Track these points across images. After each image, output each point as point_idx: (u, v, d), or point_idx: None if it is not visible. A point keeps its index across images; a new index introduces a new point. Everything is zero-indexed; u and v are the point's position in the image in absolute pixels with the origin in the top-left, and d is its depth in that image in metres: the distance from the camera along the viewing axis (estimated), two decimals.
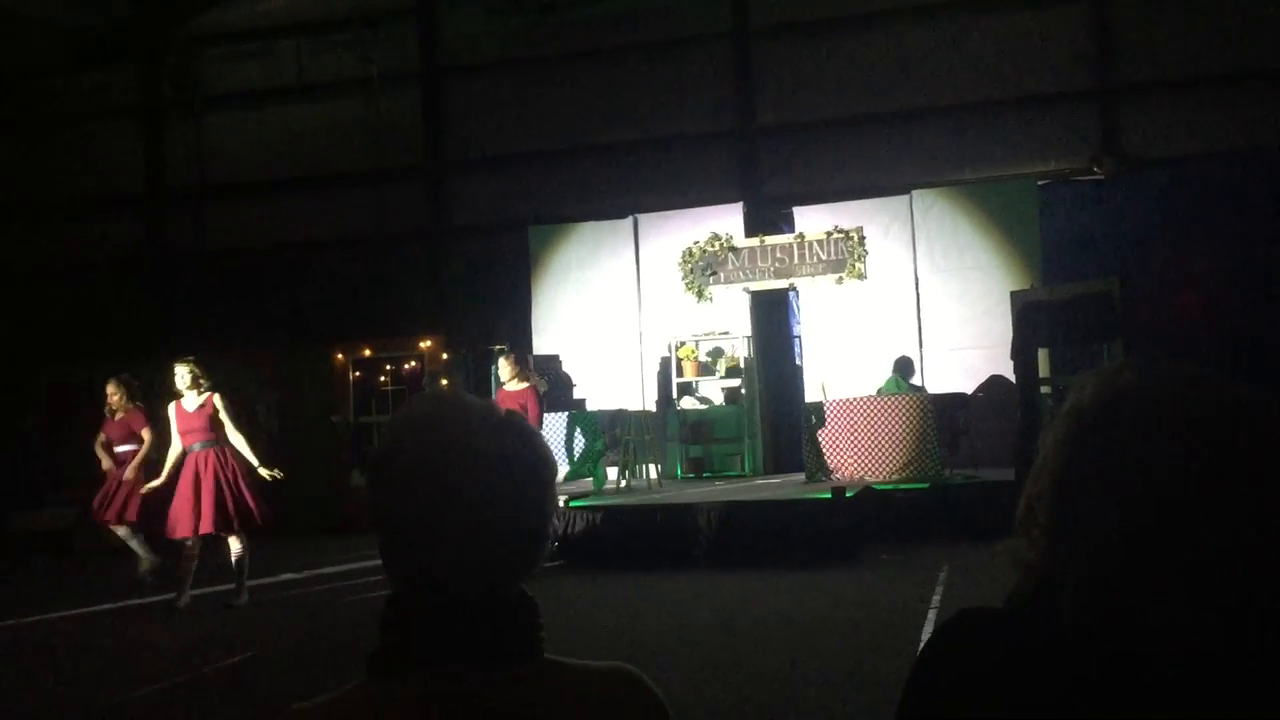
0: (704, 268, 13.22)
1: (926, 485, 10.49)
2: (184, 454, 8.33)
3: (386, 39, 15.29)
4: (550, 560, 6.90)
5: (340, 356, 13.90)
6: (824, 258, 12.89)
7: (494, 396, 9.80)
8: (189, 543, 8.27)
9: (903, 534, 9.95)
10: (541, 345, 13.56)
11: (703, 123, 14.27)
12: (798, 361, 13.40)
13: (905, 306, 12.65)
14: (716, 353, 13.21)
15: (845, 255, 12.80)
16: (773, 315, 13.64)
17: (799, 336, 13.41)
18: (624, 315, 13.52)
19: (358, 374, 13.96)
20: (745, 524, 9.52)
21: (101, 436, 9.51)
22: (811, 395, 12.38)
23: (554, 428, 11.30)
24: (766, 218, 13.50)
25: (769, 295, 13.39)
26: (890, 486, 10.58)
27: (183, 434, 8.34)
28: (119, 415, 9.47)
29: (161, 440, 8.87)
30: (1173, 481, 0.96)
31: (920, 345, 12.54)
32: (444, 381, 13.34)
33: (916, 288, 12.67)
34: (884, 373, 12.30)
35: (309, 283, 14.93)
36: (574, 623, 6.83)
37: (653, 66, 14.48)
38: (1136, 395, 1.01)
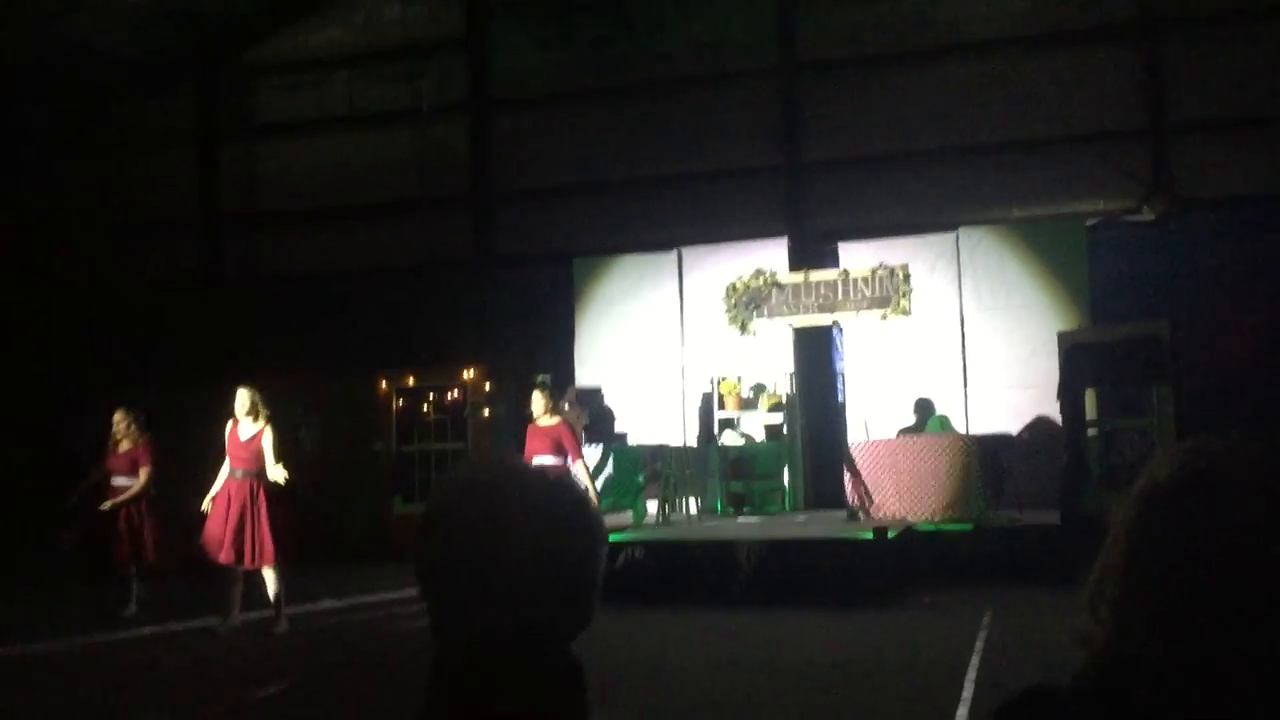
0: (747, 302, 13.20)
1: (970, 527, 10.35)
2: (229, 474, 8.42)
3: (437, 71, 15.50)
4: None
5: (384, 384, 13.99)
6: (869, 294, 12.83)
7: (526, 431, 9.77)
8: (235, 569, 8.34)
9: (945, 576, 9.82)
10: (583, 377, 13.59)
11: (749, 157, 14.30)
12: (840, 398, 13.33)
13: (950, 345, 12.55)
14: (759, 388, 13.17)
15: (890, 292, 12.74)
16: (816, 351, 13.58)
17: (842, 373, 13.34)
18: (667, 348, 13.52)
19: (401, 402, 14.03)
20: (786, 562, 9.45)
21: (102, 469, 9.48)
22: (854, 433, 12.29)
23: (590, 460, 11.23)
24: (811, 252, 13.47)
25: (813, 331, 13.33)
26: (933, 527, 10.46)
27: (232, 458, 8.45)
28: (124, 446, 9.49)
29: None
30: (1251, 563, 0.94)
31: (965, 384, 12.43)
32: (486, 412, 13.38)
33: (962, 326, 12.57)
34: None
35: (355, 310, 15.08)
36: (608, 658, 6.78)
37: (700, 100, 14.55)
38: (1212, 475, 0.99)
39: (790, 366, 13.12)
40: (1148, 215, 12.88)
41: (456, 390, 13.81)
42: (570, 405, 12.88)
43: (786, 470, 12.68)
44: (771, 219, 13.98)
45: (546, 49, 15.16)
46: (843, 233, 13.50)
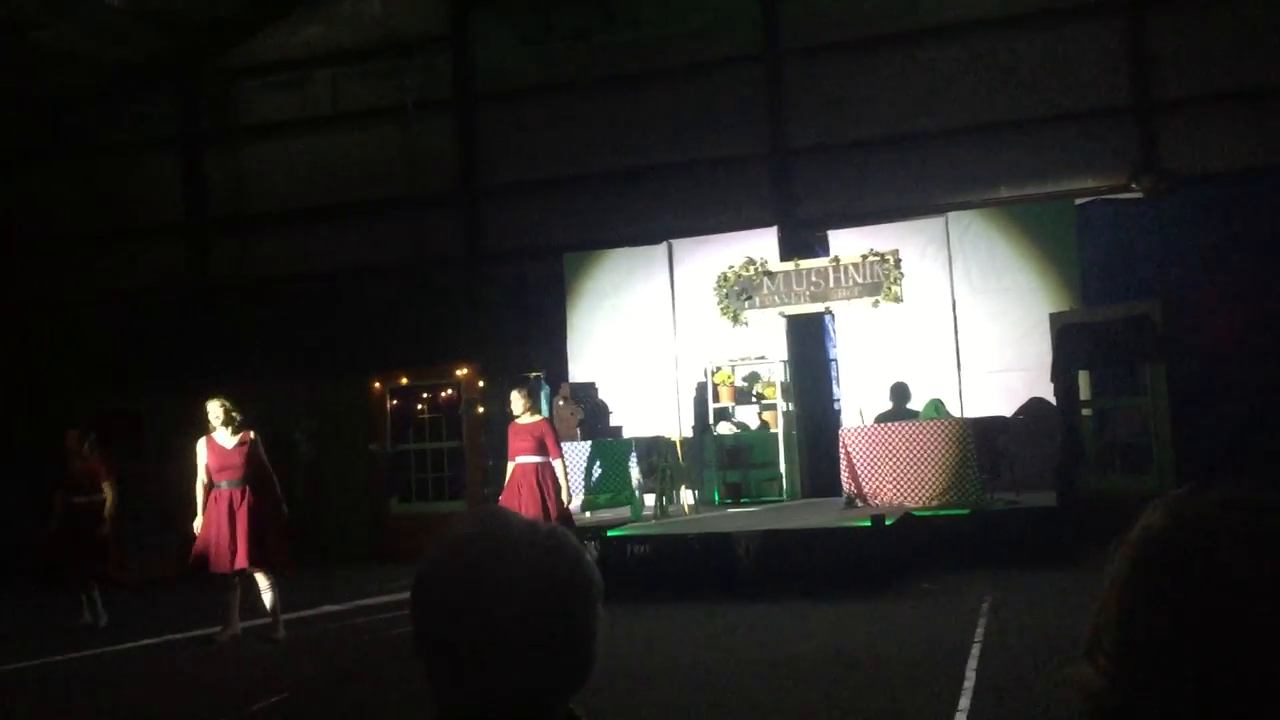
0: (739, 292, 13.18)
1: (967, 511, 10.36)
2: (210, 488, 8.35)
3: (421, 68, 15.42)
4: None
5: (378, 385, 13.95)
6: (860, 281, 12.82)
7: (507, 431, 9.75)
8: (232, 577, 8.32)
9: (943, 561, 9.85)
10: (577, 372, 13.56)
11: (736, 146, 14.25)
12: (834, 385, 13.33)
13: (943, 329, 12.54)
14: (753, 377, 13.16)
15: (881, 278, 12.72)
16: (809, 339, 13.58)
17: (835, 360, 13.34)
18: (659, 341, 13.51)
19: (395, 402, 13.99)
20: (785, 552, 9.46)
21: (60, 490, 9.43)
22: (849, 419, 12.29)
23: (576, 456, 11.21)
24: (801, 241, 13.45)
25: (805, 319, 13.32)
26: (930, 513, 10.46)
27: (216, 470, 8.34)
28: (80, 463, 9.46)
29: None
30: (1248, 614, 0.92)
31: (959, 368, 12.44)
32: (480, 409, 13.36)
33: (954, 310, 12.57)
34: (921, 396, 12.21)
35: (346, 310, 15.04)
36: (608, 652, 6.78)
37: (685, 90, 14.49)
38: (1207, 524, 0.98)
39: (783, 355, 13.12)
40: (1137, 193, 12.86)
41: (451, 388, 13.78)
42: (564, 402, 12.87)
43: (782, 459, 12.68)
44: (761, 208, 13.94)
45: (529, 43, 15.09)
46: (832, 220, 13.48)
